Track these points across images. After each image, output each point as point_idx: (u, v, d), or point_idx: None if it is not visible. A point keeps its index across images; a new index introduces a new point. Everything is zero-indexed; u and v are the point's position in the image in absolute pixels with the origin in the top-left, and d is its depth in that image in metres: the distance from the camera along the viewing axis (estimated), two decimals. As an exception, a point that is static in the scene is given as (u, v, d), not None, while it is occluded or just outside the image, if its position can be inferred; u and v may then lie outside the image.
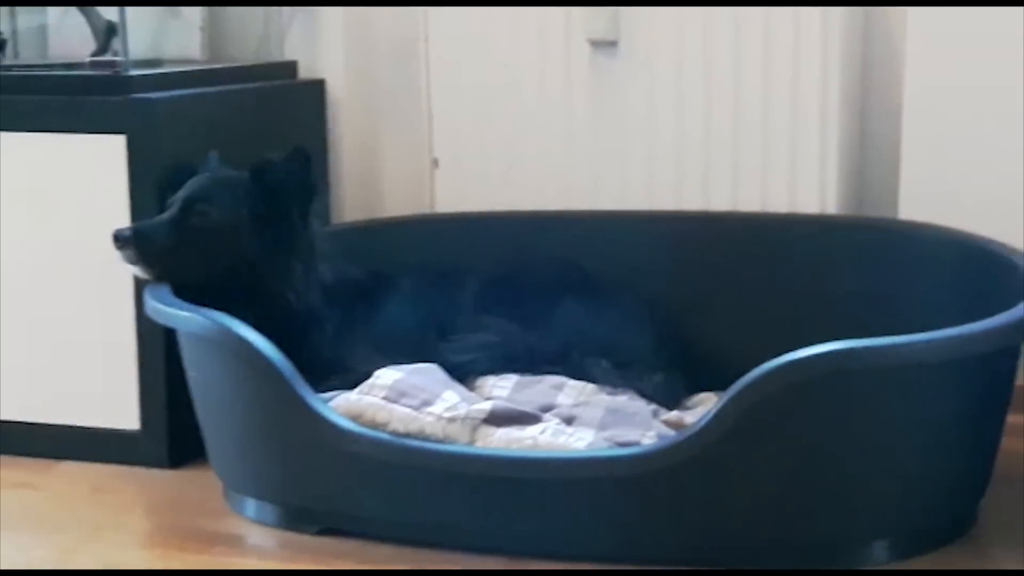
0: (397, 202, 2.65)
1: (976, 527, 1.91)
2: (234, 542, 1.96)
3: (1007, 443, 1.96)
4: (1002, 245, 2.12)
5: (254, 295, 2.10)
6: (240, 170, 2.16)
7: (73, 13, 2.46)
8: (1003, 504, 1.96)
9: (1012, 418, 1.96)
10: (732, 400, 1.74)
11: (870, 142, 2.43)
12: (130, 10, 2.32)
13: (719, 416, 1.74)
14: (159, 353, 2.20)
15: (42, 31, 2.64)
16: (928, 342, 1.73)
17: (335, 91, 2.60)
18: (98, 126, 2.19)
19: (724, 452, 1.75)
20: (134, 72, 2.25)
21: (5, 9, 2.59)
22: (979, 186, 2.28)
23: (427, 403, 1.92)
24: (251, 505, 2.02)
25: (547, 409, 2.01)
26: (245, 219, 2.11)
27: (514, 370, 2.13)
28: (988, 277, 2.09)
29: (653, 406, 2.07)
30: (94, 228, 2.17)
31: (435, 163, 2.58)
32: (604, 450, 1.86)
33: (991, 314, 1.81)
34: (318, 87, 2.58)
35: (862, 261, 2.29)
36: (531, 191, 2.51)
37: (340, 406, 1.91)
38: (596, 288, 2.30)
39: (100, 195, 2.20)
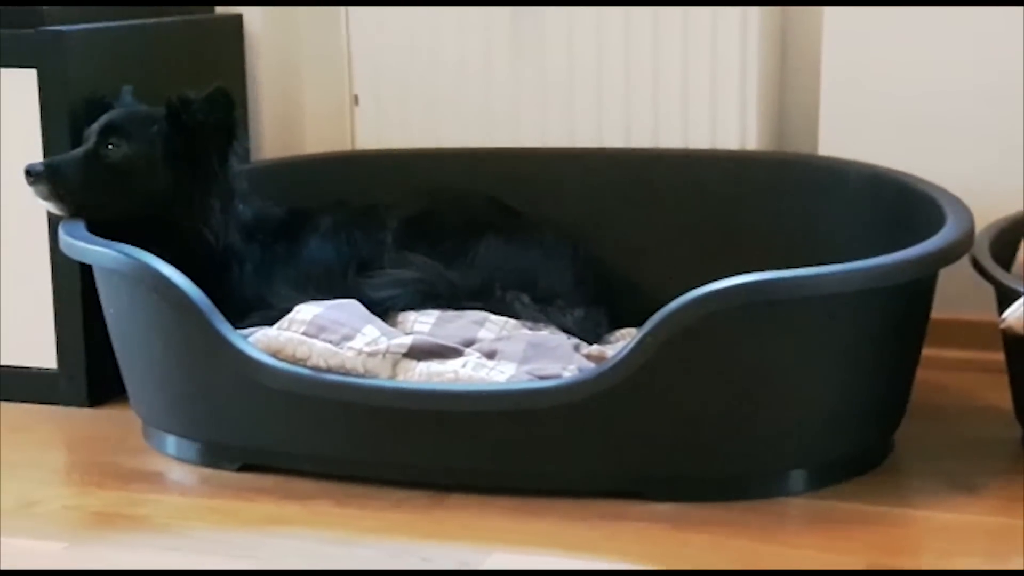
0: (317, 139, 2.62)
1: (892, 457, 1.94)
2: (154, 479, 1.95)
3: (922, 375, 1.99)
4: (919, 179, 2.14)
5: (171, 234, 2.08)
6: (155, 106, 2.13)
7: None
8: (918, 435, 1.99)
9: (927, 350, 1.98)
10: (651, 332, 1.75)
11: (790, 78, 2.44)
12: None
13: (638, 348, 1.75)
14: (75, 291, 2.18)
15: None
16: (844, 273, 1.75)
17: (253, 25, 2.56)
18: (9, 60, 2.15)
19: (643, 384, 1.76)
20: (44, 4, 2.20)
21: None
22: (898, 121, 2.30)
23: (347, 338, 1.91)
24: (171, 442, 2.01)
25: (469, 344, 2.01)
26: (161, 155, 2.09)
27: (435, 306, 2.12)
28: (905, 210, 2.11)
29: (574, 340, 2.08)
30: (6, 163, 2.14)
31: (355, 100, 2.56)
32: (525, 383, 1.87)
33: (908, 247, 1.83)
34: (236, 22, 2.54)
35: (782, 196, 2.30)
36: (452, 128, 2.50)
37: (260, 341, 1.90)
38: (518, 224, 2.30)
39: (12, 130, 2.17)
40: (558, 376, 1.88)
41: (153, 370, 1.99)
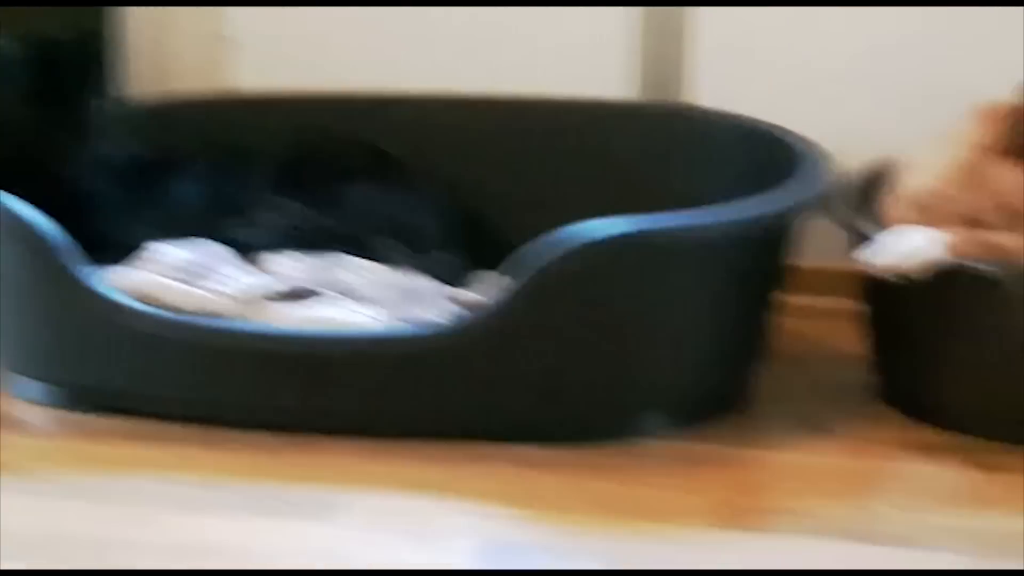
0: (188, 79, 2.57)
1: (749, 400, 1.97)
2: (14, 423, 1.93)
3: (781, 321, 2.03)
4: (784, 129, 2.17)
5: (33, 175, 2.04)
6: (15, 44, 2.09)
7: None
8: (776, 379, 2.02)
9: (787, 297, 2.02)
10: (518, 276, 1.77)
11: (668, 30, 2.45)
12: None
13: (505, 294, 1.77)
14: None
15: None
16: (704, 219, 1.79)
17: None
18: None
19: (508, 328, 1.78)
20: None
21: None
22: (769, 76, 2.33)
23: (211, 280, 1.90)
24: (31, 386, 1.98)
25: (337, 288, 2.01)
26: (20, 94, 2.05)
27: (304, 251, 2.11)
28: (772, 161, 2.14)
29: (442, 286, 2.09)
30: None
31: (228, 39, 2.52)
32: (392, 328, 1.88)
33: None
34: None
35: (654, 145, 2.31)
36: (334, 71, 2.47)
37: (119, 283, 1.88)
38: (389, 170, 2.29)
39: None
40: (426, 321, 1.89)
41: (10, 312, 1.95)
